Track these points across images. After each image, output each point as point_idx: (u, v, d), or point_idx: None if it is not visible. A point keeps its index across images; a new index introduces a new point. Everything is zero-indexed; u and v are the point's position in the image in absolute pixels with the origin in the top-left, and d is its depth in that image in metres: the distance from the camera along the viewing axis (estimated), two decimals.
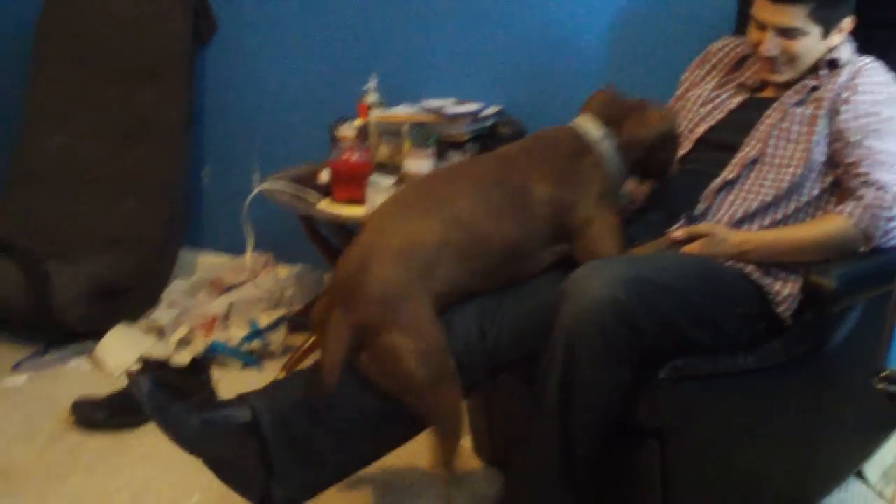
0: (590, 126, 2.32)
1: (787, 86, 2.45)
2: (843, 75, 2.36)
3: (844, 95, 2.33)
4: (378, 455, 2.23)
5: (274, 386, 2.22)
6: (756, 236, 2.29)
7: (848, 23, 2.40)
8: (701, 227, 2.30)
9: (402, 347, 2.07)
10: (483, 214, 2.18)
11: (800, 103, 2.39)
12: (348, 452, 2.18)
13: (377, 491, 2.58)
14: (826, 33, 2.37)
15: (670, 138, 2.39)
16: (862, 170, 2.25)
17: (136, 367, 3.03)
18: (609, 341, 2.04)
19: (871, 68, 2.38)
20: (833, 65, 2.41)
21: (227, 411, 2.10)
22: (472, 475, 2.64)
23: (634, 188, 2.51)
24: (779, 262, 2.27)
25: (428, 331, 2.09)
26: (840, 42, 2.41)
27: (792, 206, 2.33)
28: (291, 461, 2.10)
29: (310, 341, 3.08)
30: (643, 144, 2.34)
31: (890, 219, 2.22)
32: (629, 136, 2.33)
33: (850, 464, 2.60)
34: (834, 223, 2.25)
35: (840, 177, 2.32)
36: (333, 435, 2.13)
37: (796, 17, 2.34)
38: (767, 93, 2.50)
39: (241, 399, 2.13)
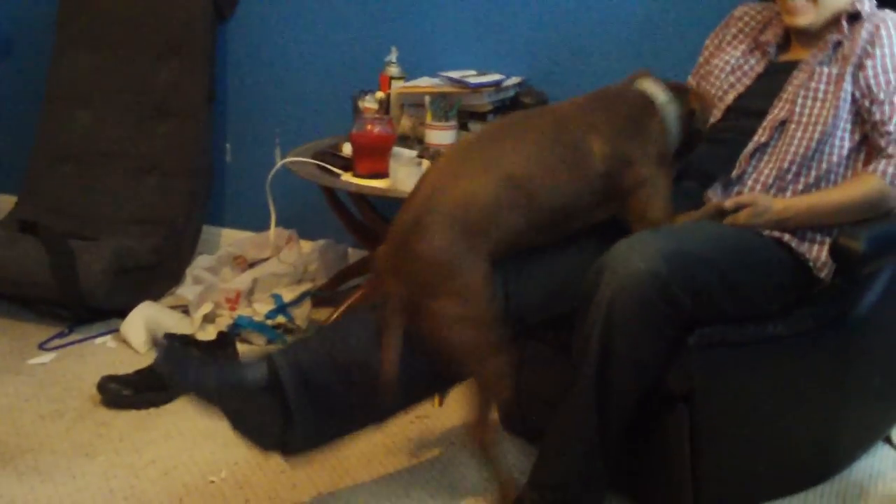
0: (655, 89, 2.29)
1: (810, 44, 2.43)
2: (865, 30, 2.34)
3: (869, 50, 2.32)
4: (397, 411, 2.26)
5: (296, 342, 2.25)
6: (795, 202, 2.29)
7: None
8: (745, 197, 2.29)
9: (454, 314, 2.07)
10: (538, 171, 2.15)
11: (826, 62, 2.37)
12: (369, 407, 2.19)
13: (411, 463, 2.58)
14: None
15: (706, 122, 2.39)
16: (890, 128, 2.26)
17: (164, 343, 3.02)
18: (648, 315, 2.05)
19: (893, 22, 2.36)
20: (855, 17, 2.39)
21: (243, 371, 2.11)
22: (500, 446, 2.63)
23: None
24: (818, 225, 2.26)
25: (480, 298, 2.09)
26: None
27: (823, 165, 2.32)
28: (310, 414, 2.12)
29: (336, 314, 3.07)
30: (706, 119, 2.34)
31: None
32: (698, 107, 2.31)
33: (877, 430, 2.59)
34: (868, 183, 2.25)
35: (868, 134, 2.31)
36: (354, 390, 2.14)
37: None
38: (792, 55, 2.48)
39: (260, 358, 2.15)
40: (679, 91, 2.31)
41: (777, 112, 2.39)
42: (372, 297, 2.24)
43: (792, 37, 2.49)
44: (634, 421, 2.17)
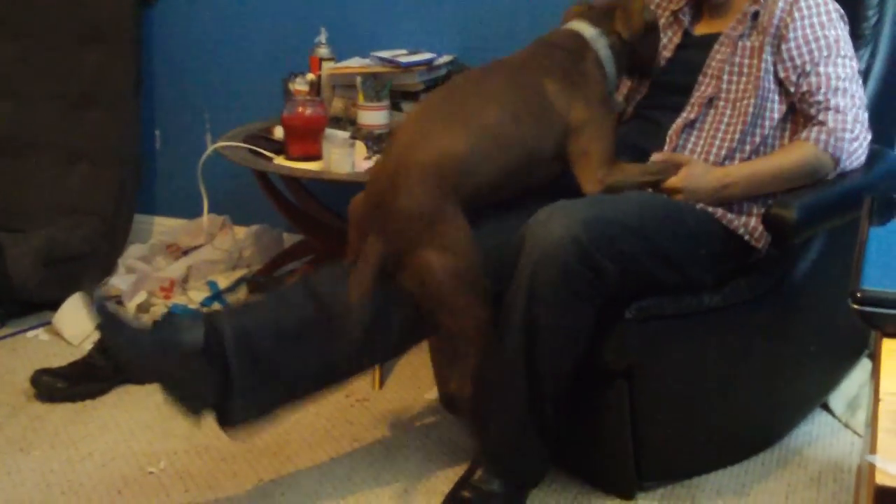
0: (583, 27, 2.34)
1: (724, 16, 2.44)
2: (782, 0, 2.35)
3: (787, 21, 2.33)
4: (344, 380, 2.28)
5: (240, 306, 2.26)
6: (735, 170, 2.30)
7: None
8: (680, 155, 2.32)
9: (436, 264, 2.08)
10: (507, 119, 2.20)
11: (745, 35, 2.38)
12: (312, 375, 2.19)
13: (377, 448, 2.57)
14: None
15: (653, 29, 2.42)
16: (819, 97, 2.29)
17: (96, 334, 2.97)
18: (570, 281, 2.04)
19: None
20: None
21: (180, 333, 2.09)
22: (442, 426, 2.63)
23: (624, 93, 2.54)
24: (757, 194, 2.28)
25: (462, 247, 2.11)
26: None
27: (757, 139, 2.34)
28: (252, 380, 2.11)
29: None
30: (634, 36, 2.35)
31: (853, 140, 2.28)
32: (620, 30, 2.34)
33: (816, 395, 2.63)
34: (803, 150, 2.28)
35: (797, 104, 2.33)
36: (299, 356, 2.14)
37: None
38: (711, 27, 2.48)
39: (195, 320, 2.13)
40: (605, 19, 2.35)
41: (704, 88, 2.40)
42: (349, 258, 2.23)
43: (704, 8, 2.50)
44: (574, 396, 2.17)
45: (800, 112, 2.34)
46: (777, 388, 2.45)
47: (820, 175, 2.29)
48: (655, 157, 2.32)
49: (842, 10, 2.38)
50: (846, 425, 2.61)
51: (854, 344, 2.65)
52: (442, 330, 2.18)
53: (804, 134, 2.29)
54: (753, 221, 2.31)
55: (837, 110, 2.27)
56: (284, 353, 2.14)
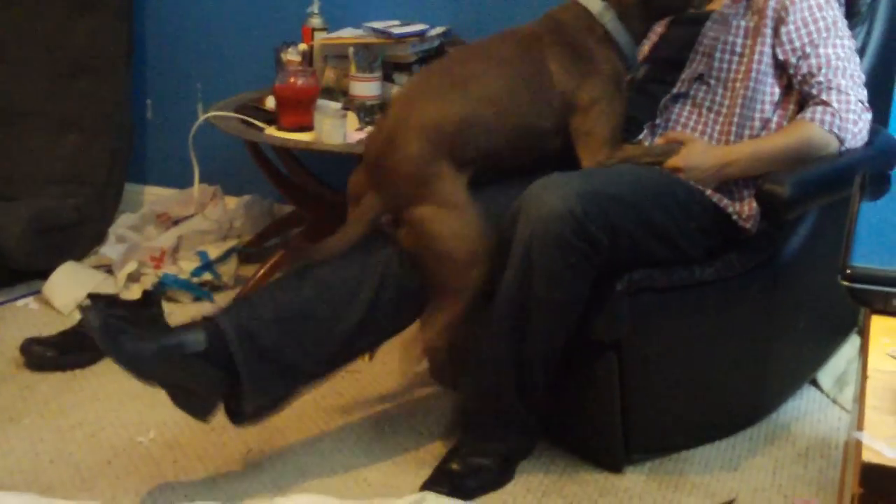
0: (589, 2, 2.31)
1: None
2: None
3: (786, 4, 2.33)
4: (349, 360, 2.29)
5: (238, 302, 2.26)
6: (736, 148, 2.31)
7: None
8: (679, 133, 2.32)
9: (435, 218, 2.11)
10: (505, 91, 2.22)
11: (739, 14, 2.38)
12: (318, 359, 2.19)
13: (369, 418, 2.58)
14: None
15: None
16: (821, 78, 2.29)
17: (86, 302, 2.97)
18: (565, 254, 2.05)
19: None
20: None
21: (181, 337, 2.09)
22: (431, 398, 2.64)
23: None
24: (758, 174, 2.26)
25: (459, 204, 2.13)
26: None
27: (756, 120, 2.34)
28: (261, 374, 2.12)
29: (262, 270, 3.04)
30: (632, 3, 2.30)
31: (856, 121, 2.28)
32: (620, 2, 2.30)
33: (804, 371, 2.63)
34: (805, 129, 2.28)
35: (798, 86, 2.33)
36: (302, 343, 2.15)
37: None
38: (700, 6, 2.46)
39: (196, 323, 2.14)
40: None
41: (695, 66, 2.41)
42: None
43: None
44: (563, 369, 2.17)
45: (800, 93, 2.33)
46: (766, 363, 2.46)
47: (820, 155, 2.28)
48: (659, 139, 2.33)
49: None
50: (834, 401, 2.62)
51: (844, 320, 2.66)
52: (433, 284, 2.18)
53: (807, 114, 2.28)
54: (745, 207, 2.31)
55: (840, 90, 2.27)
56: (289, 342, 2.14)
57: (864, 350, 1.41)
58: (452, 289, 2.16)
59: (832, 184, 2.27)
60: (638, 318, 2.19)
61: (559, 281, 2.08)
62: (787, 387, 2.60)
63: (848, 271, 1.45)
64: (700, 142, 2.30)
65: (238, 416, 2.18)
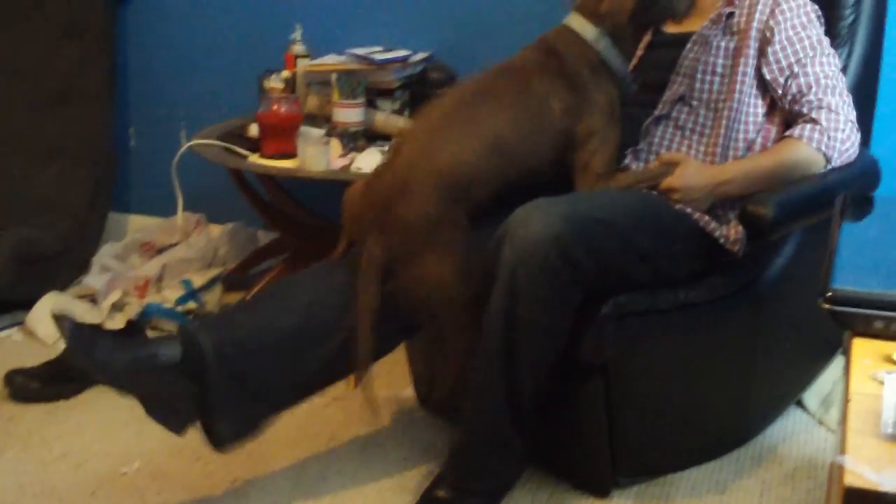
0: (583, 26, 2.32)
1: (696, 15, 2.44)
2: (761, 1, 2.35)
3: (770, 24, 2.33)
4: (328, 384, 2.26)
5: (217, 318, 2.25)
6: (729, 168, 2.31)
7: None
8: (672, 155, 2.33)
9: (435, 271, 2.10)
10: (513, 132, 2.22)
11: (720, 35, 2.39)
12: (294, 385, 2.19)
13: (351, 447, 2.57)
14: None
15: None
16: (811, 97, 2.29)
17: (59, 313, 2.94)
18: (551, 278, 2.05)
19: None
20: None
21: (156, 349, 2.08)
22: (417, 425, 2.63)
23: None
24: (751, 192, 2.26)
25: (459, 257, 2.12)
26: None
27: (741, 141, 2.35)
28: (234, 395, 2.10)
29: (246, 299, 3.03)
30: (623, 18, 2.30)
31: (845, 140, 2.29)
32: (611, 21, 2.30)
33: (790, 392, 2.63)
34: (797, 149, 2.29)
35: (787, 105, 2.34)
36: (279, 369, 2.14)
37: None
38: (682, 26, 2.47)
39: (174, 336, 2.12)
40: (597, 11, 2.30)
41: (676, 88, 2.41)
42: (340, 255, 2.28)
43: None
44: (550, 393, 2.17)
45: (788, 112, 2.34)
46: (752, 384, 2.45)
47: (810, 172, 2.29)
48: (654, 161, 2.34)
49: (819, 11, 2.39)
50: (820, 422, 2.61)
51: (829, 342, 2.66)
52: (427, 333, 2.19)
53: (796, 132, 2.29)
54: (732, 231, 2.31)
55: (830, 109, 2.28)
56: (266, 367, 2.13)
57: (846, 373, 1.41)
58: (448, 339, 2.17)
59: (816, 204, 2.26)
60: (624, 342, 2.18)
61: (545, 305, 2.08)
62: (774, 408, 2.60)
63: (829, 294, 1.45)
64: (693, 162, 2.30)
65: (215, 438, 2.15)
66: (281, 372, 2.15)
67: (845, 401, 1.33)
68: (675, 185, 2.25)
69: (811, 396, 2.66)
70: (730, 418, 2.48)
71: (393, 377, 2.81)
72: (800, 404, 2.67)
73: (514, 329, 2.08)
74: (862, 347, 1.45)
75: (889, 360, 1.41)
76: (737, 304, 2.32)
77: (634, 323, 2.18)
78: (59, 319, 2.08)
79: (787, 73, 2.31)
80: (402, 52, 3.12)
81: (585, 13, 2.32)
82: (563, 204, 2.12)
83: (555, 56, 2.30)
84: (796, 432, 2.59)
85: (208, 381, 2.08)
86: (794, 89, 2.31)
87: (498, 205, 2.22)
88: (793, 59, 2.31)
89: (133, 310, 3.10)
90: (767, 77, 2.33)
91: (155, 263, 3.22)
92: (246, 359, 2.11)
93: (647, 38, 2.52)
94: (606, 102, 2.29)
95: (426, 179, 2.14)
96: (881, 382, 1.35)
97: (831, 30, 2.45)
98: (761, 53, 2.34)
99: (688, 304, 2.24)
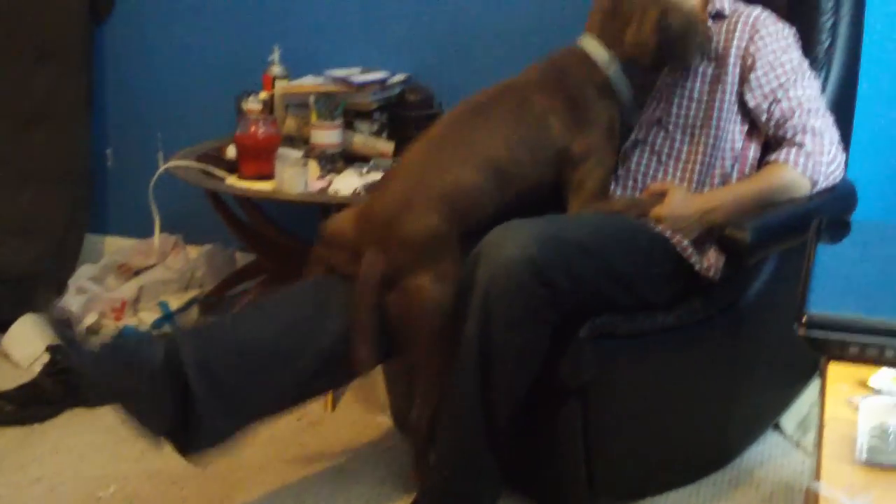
0: (596, 49, 2.33)
1: None
2: (739, 30, 2.36)
3: (751, 51, 2.34)
4: (308, 398, 2.27)
5: (199, 327, 2.25)
6: (716, 194, 2.32)
7: None
8: (664, 184, 2.33)
9: (428, 291, 2.10)
10: (512, 154, 2.24)
11: (698, 60, 2.39)
12: (272, 399, 2.17)
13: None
14: None
15: (691, 28, 2.33)
16: (795, 120, 2.31)
17: (46, 357, 2.92)
18: (525, 300, 2.04)
19: (767, 17, 2.39)
20: (718, 16, 2.44)
21: (138, 346, 2.07)
22: (394, 449, 2.62)
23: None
24: (738, 218, 2.26)
25: (454, 279, 2.13)
26: None
27: (718, 167, 2.35)
28: (212, 403, 2.08)
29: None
30: (645, 56, 2.32)
31: (830, 163, 2.31)
32: (630, 53, 2.32)
33: (768, 416, 2.63)
34: (782, 173, 2.30)
35: (772, 129, 2.34)
36: (258, 381, 2.13)
37: None
38: None
39: (156, 338, 2.15)
40: (619, 37, 2.32)
41: (651, 110, 2.43)
42: (317, 265, 2.29)
43: None
44: (528, 415, 2.16)
45: (773, 137, 2.35)
46: (730, 407, 2.45)
47: (796, 196, 2.31)
48: (644, 192, 2.36)
49: (797, 34, 2.41)
50: (797, 444, 2.61)
51: (806, 366, 2.66)
52: (410, 357, 2.19)
53: (781, 156, 2.30)
54: (707, 259, 2.31)
55: (815, 132, 2.29)
56: (245, 378, 2.12)
57: (821, 398, 1.41)
58: (428, 365, 2.17)
59: (794, 228, 2.26)
60: (602, 364, 2.18)
61: (518, 327, 2.07)
62: (751, 432, 2.59)
63: (804, 318, 1.45)
64: (680, 191, 2.30)
65: (184, 445, 2.11)
66: (262, 384, 2.13)
67: (820, 426, 1.33)
68: (664, 215, 2.26)
69: (788, 419, 2.66)
70: (708, 442, 2.48)
71: (369, 402, 2.80)
72: (777, 427, 2.67)
73: (488, 351, 2.07)
74: (837, 372, 1.45)
75: (864, 384, 1.41)
76: (715, 328, 2.32)
77: (612, 345, 2.18)
78: (50, 319, 2.08)
79: (771, 98, 2.32)
80: (380, 74, 3.12)
81: (602, 37, 2.34)
82: (538, 225, 2.12)
83: (559, 74, 2.32)
84: (774, 455, 2.58)
85: (189, 388, 2.05)
86: (777, 114, 2.32)
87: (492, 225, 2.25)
88: (775, 85, 2.32)
89: (109, 332, 3.08)
90: (751, 104, 2.34)
91: (132, 285, 3.21)
92: (228, 370, 2.09)
93: None
94: (606, 123, 2.31)
95: (432, 200, 2.15)
96: (856, 408, 1.34)
97: (808, 55, 2.46)
98: (743, 80, 2.35)
99: (666, 328, 2.24)
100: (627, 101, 2.36)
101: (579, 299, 2.12)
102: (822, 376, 1.46)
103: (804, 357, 2.56)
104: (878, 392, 1.39)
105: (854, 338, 1.44)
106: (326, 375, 2.21)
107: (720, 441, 2.50)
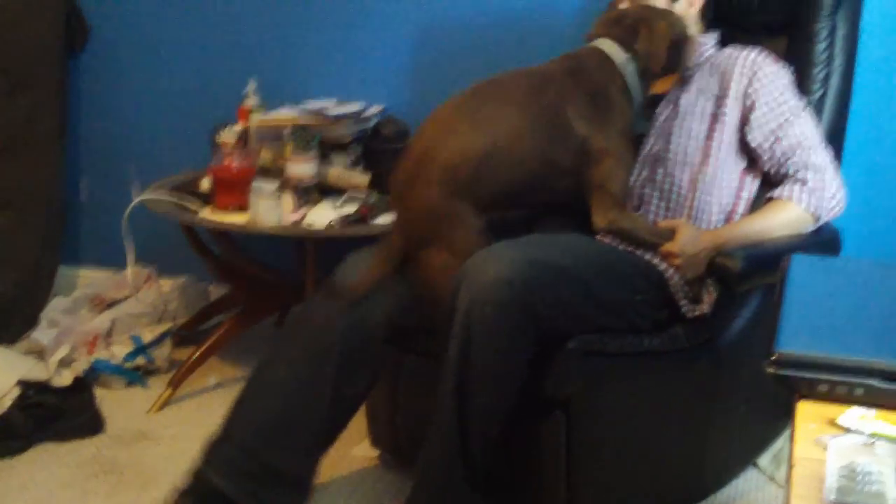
0: (613, 50, 2.38)
1: (664, 80, 2.49)
2: (738, 68, 2.40)
3: (750, 90, 2.39)
4: (333, 442, 2.32)
5: (215, 443, 2.24)
6: (725, 231, 2.34)
7: None
8: (676, 221, 2.35)
9: (437, 263, 2.16)
10: (523, 131, 2.26)
11: (691, 100, 2.43)
12: (310, 457, 2.25)
13: None
14: None
15: (681, 41, 2.43)
16: (797, 158, 2.35)
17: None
18: (504, 323, 2.05)
19: (765, 58, 2.43)
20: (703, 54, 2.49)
21: None
22: (369, 481, 2.61)
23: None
24: None
25: (465, 250, 2.15)
26: (692, 12, 2.50)
27: (715, 203, 2.38)
28: (262, 494, 2.18)
29: (197, 354, 3.00)
30: (660, 60, 2.38)
31: (832, 198, 2.34)
32: (646, 56, 2.37)
33: (745, 456, 2.63)
34: (787, 209, 2.34)
35: (775, 167, 2.38)
36: (291, 449, 2.21)
37: None
38: (654, 88, 2.51)
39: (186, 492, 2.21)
40: (633, 37, 2.37)
41: (650, 146, 2.46)
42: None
43: None
44: (510, 433, 2.15)
45: (774, 174, 2.38)
46: (707, 442, 2.45)
47: (800, 231, 2.34)
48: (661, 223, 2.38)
49: (792, 74, 2.45)
50: (771, 479, 2.61)
51: (787, 405, 2.65)
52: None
53: (784, 193, 2.34)
54: (705, 307, 2.32)
55: (816, 169, 2.33)
56: (276, 454, 2.19)
57: (791, 437, 1.41)
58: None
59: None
60: (587, 379, 2.19)
61: (498, 350, 2.06)
62: (728, 469, 2.58)
63: (773, 357, 1.45)
64: (690, 227, 2.32)
65: None
66: (291, 452, 2.22)
67: (790, 465, 1.33)
68: (675, 251, 2.27)
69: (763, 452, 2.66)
70: (685, 474, 2.47)
71: (348, 433, 2.78)
72: (756, 466, 2.66)
73: (467, 374, 2.07)
74: (807, 411, 1.45)
75: (833, 423, 1.41)
76: (697, 359, 2.33)
77: (599, 362, 2.20)
78: None
79: (772, 137, 2.36)
80: (355, 107, 3.12)
81: (618, 38, 2.38)
82: (520, 249, 2.13)
83: (580, 68, 2.36)
84: (748, 490, 2.58)
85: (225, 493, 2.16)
86: (779, 152, 2.36)
87: (526, 223, 2.34)
88: (775, 125, 2.36)
89: (81, 366, 3.06)
90: (753, 143, 2.38)
91: (104, 318, 3.18)
92: (254, 457, 2.18)
93: None
94: (624, 125, 2.35)
95: (432, 169, 2.20)
96: (825, 447, 1.34)
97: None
98: (743, 120, 2.39)
99: (650, 351, 2.26)
100: (638, 106, 2.40)
101: (560, 324, 2.14)
102: (792, 416, 1.46)
103: (783, 398, 2.56)
104: (847, 431, 1.39)
105: (823, 376, 1.44)
106: (344, 411, 2.30)
107: (699, 473, 2.49)
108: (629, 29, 2.38)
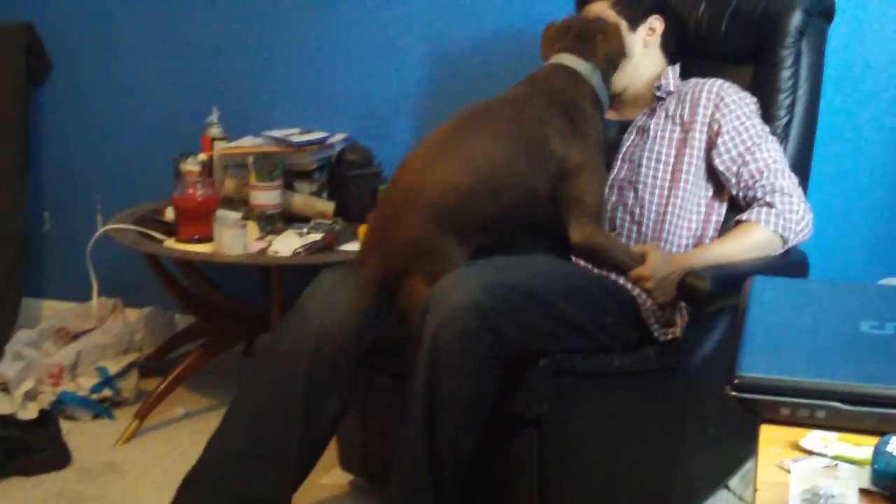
0: (575, 62, 2.41)
1: (633, 107, 2.56)
2: (704, 96, 2.44)
3: (716, 117, 2.41)
4: (312, 466, 2.30)
5: (189, 482, 2.23)
6: (695, 255, 2.36)
7: (657, 23, 2.55)
8: (641, 246, 2.37)
9: (419, 290, 2.15)
10: (505, 163, 2.27)
11: (660, 126, 2.47)
12: (286, 484, 2.23)
13: None
14: (633, 27, 2.53)
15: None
16: (764, 181, 2.37)
17: None
18: (471, 346, 2.05)
19: (729, 86, 2.47)
20: (667, 94, 2.52)
21: None
22: (343, 495, 2.61)
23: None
24: None
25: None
26: (651, 40, 2.55)
27: (684, 227, 2.42)
28: None
29: (164, 384, 2.98)
30: (623, 52, 2.47)
31: (799, 220, 2.37)
32: (605, 55, 2.43)
33: (715, 478, 2.63)
34: (756, 232, 2.36)
35: (742, 191, 2.41)
36: (266, 479, 2.19)
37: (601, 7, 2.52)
38: (620, 115, 2.58)
39: None
40: (588, 46, 2.42)
41: (617, 171, 2.48)
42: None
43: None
44: (482, 447, 2.15)
45: (742, 198, 2.41)
46: (678, 462, 2.45)
47: (769, 253, 2.37)
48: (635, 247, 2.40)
49: (757, 103, 2.49)
50: (741, 499, 2.62)
51: (750, 429, 2.66)
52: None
53: (752, 216, 2.36)
54: (677, 332, 2.35)
55: (783, 192, 2.36)
56: (252, 485, 2.19)
57: (755, 461, 1.42)
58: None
59: None
60: (559, 397, 2.19)
61: (465, 374, 2.06)
62: (699, 490, 2.58)
63: (735, 381, 1.46)
64: (660, 252, 2.34)
65: None
66: (267, 481, 2.20)
67: (754, 490, 1.33)
68: (646, 274, 2.28)
69: None
70: (656, 493, 2.46)
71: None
72: (728, 488, 2.67)
73: (434, 399, 2.07)
74: (770, 434, 1.45)
75: (796, 447, 1.41)
76: (666, 380, 2.34)
77: (571, 381, 2.21)
78: None
79: (739, 161, 2.39)
80: (319, 135, 3.12)
81: (576, 51, 2.42)
82: (486, 273, 2.13)
83: (551, 87, 2.37)
84: None
85: None
86: (746, 176, 2.38)
87: (503, 240, 2.32)
88: (742, 149, 2.39)
89: (47, 399, 3.04)
90: (720, 168, 2.40)
91: (70, 350, 3.16)
92: (230, 490, 2.18)
93: None
94: (597, 136, 2.37)
95: (418, 202, 2.21)
96: (788, 471, 1.35)
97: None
98: (710, 146, 2.41)
99: (621, 372, 2.27)
100: (605, 108, 2.45)
101: (529, 346, 2.15)
102: (756, 439, 1.47)
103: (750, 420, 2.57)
104: (810, 454, 1.40)
105: (785, 399, 1.44)
106: (321, 431, 2.26)
107: (667, 494, 2.49)
108: (582, 38, 2.42)
